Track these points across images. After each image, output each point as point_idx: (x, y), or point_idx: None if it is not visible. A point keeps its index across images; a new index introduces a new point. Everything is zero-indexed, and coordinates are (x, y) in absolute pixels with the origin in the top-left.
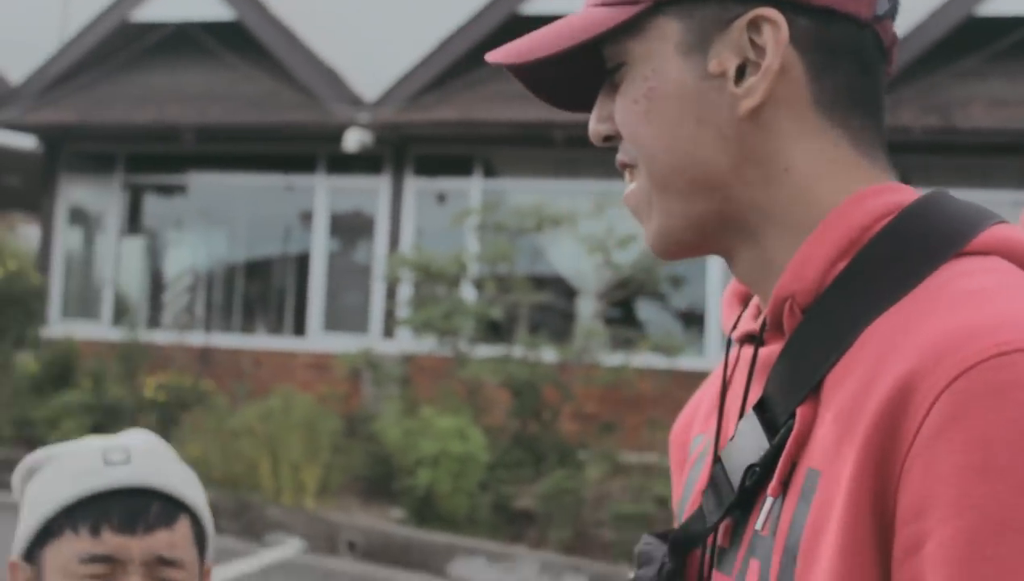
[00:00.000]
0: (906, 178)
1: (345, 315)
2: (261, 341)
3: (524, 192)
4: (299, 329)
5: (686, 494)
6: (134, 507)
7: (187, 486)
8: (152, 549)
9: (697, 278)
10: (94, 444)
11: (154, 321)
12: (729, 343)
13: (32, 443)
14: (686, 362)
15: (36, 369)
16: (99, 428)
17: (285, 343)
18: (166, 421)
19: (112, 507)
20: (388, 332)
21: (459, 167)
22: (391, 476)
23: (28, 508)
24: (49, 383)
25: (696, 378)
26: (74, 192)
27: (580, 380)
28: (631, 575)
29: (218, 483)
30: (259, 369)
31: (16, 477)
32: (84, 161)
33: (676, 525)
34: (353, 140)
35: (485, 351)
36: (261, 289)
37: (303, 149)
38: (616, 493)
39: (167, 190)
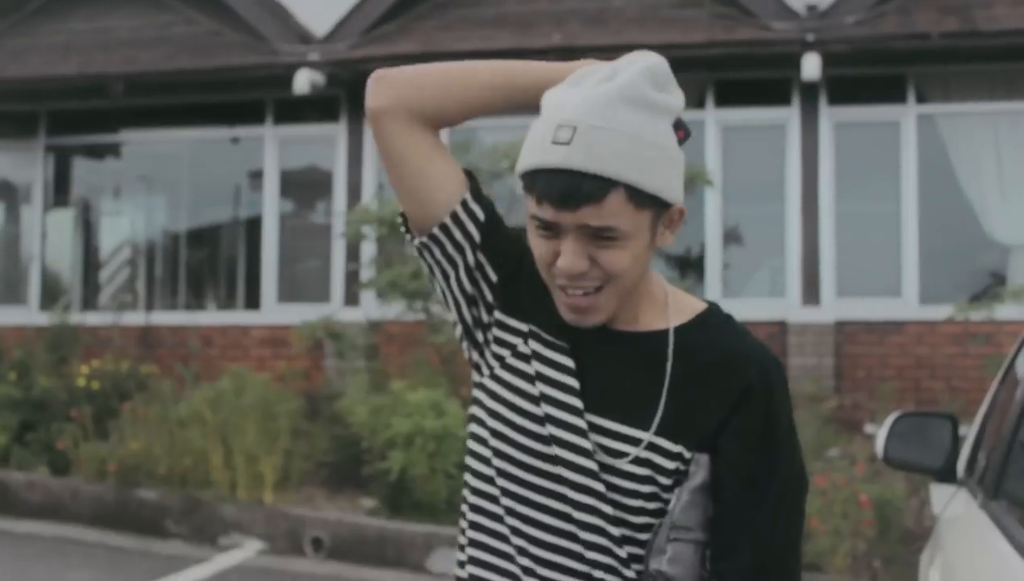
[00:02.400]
0: (924, 91)
1: (303, 283)
2: (209, 317)
3: (497, 130)
4: (252, 302)
5: None
6: (566, 188)
7: (622, 160)
8: (581, 220)
9: (694, 217)
10: (549, 113)
11: (90, 302)
12: None
13: None
14: None
15: None
16: (29, 426)
17: (237, 318)
18: (102, 412)
19: (551, 185)
20: (351, 299)
21: None
22: (359, 461)
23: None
24: None
25: None
26: None
27: None
28: None
29: (163, 480)
30: (209, 348)
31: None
32: (2, 124)
33: None
34: (303, 82)
35: None
36: (208, 259)
37: (248, 96)
38: None
39: (97, 152)
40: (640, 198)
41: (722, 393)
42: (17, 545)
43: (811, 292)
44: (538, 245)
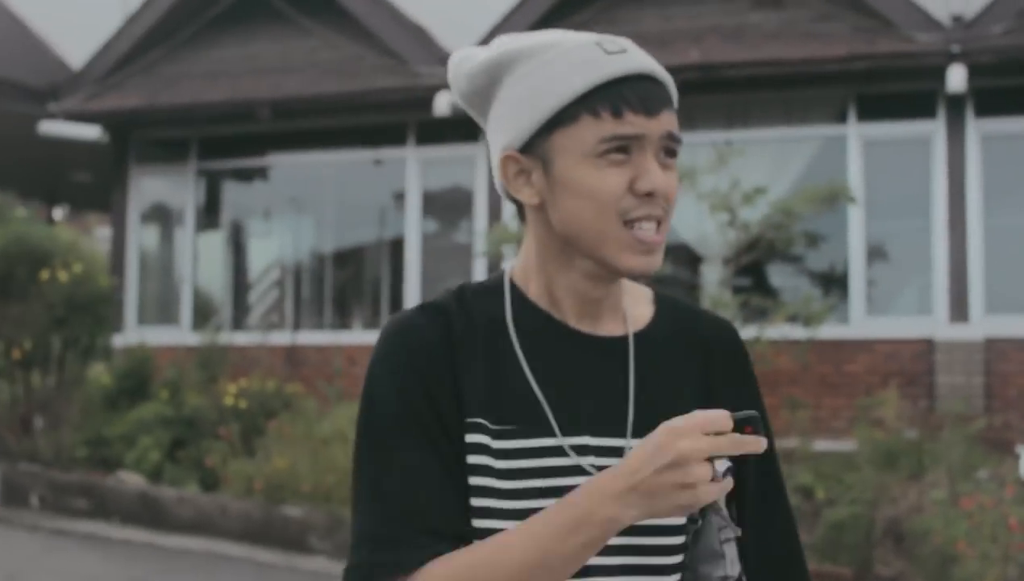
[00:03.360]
0: None
1: None
2: (354, 336)
3: None
4: None
5: None
6: (646, 91)
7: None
8: (663, 126)
9: (837, 234)
10: (581, 38)
11: (240, 322)
12: None
13: (108, 464)
14: (828, 331)
15: (109, 381)
16: (180, 443)
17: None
18: (249, 430)
19: (628, 92)
20: None
21: None
22: None
23: (520, 101)
24: (124, 396)
25: (840, 349)
26: (146, 184)
27: None
28: None
29: (308, 497)
30: (353, 367)
31: (478, 75)
32: (155, 149)
33: None
34: (444, 103)
35: None
36: (353, 279)
37: (391, 118)
38: None
39: (246, 175)
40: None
41: (724, 379)
42: (169, 559)
43: (959, 309)
44: (603, 178)
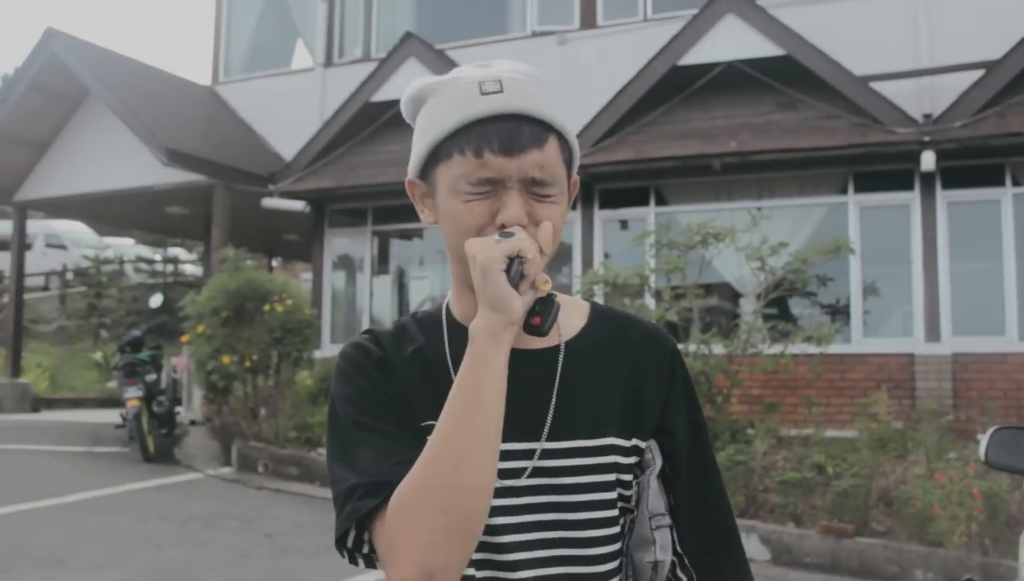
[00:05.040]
0: (1019, 176)
1: None
2: None
3: (690, 214)
4: None
5: None
6: (509, 131)
7: (554, 109)
8: (525, 170)
9: (841, 276)
10: (472, 75)
11: None
12: None
13: (311, 443)
14: (835, 348)
15: (312, 384)
16: None
17: None
18: None
19: (492, 132)
20: None
21: (636, 198)
22: None
23: (419, 134)
24: (322, 394)
25: (844, 361)
26: (336, 242)
27: (746, 368)
28: None
29: None
30: None
31: (407, 105)
32: (342, 216)
33: None
34: None
35: None
36: None
37: None
38: (780, 463)
39: (407, 234)
40: (566, 151)
41: (653, 377)
42: None
43: (933, 331)
44: (466, 211)
